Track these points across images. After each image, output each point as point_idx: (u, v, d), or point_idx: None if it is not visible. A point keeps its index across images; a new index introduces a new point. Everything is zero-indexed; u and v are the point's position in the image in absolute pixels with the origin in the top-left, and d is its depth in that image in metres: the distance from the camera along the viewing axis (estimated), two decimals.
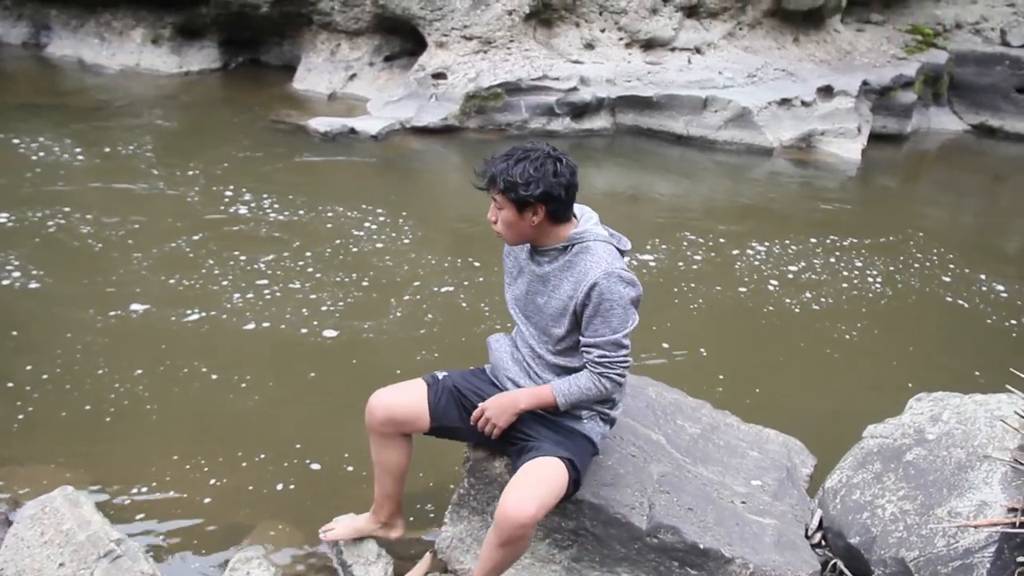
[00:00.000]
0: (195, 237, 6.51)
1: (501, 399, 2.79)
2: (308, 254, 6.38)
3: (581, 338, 2.71)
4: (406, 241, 6.81)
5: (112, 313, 5.29)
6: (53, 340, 4.94)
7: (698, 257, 6.91)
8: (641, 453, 3.14)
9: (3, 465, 3.85)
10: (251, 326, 5.28)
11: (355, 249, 6.59)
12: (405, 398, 2.89)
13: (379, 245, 6.69)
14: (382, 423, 2.89)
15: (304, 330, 5.28)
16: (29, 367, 4.63)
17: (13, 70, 12.26)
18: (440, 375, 2.96)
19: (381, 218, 7.19)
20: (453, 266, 6.45)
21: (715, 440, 3.41)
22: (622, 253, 2.77)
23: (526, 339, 2.86)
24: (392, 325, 5.44)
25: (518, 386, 2.85)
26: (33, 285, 5.58)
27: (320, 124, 9.63)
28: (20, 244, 6.19)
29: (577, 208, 2.79)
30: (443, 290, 5.97)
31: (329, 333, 5.27)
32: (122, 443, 4.11)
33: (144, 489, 3.77)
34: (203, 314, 5.37)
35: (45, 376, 4.57)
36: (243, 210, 7.19)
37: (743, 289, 6.38)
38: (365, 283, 6.01)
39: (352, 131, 9.56)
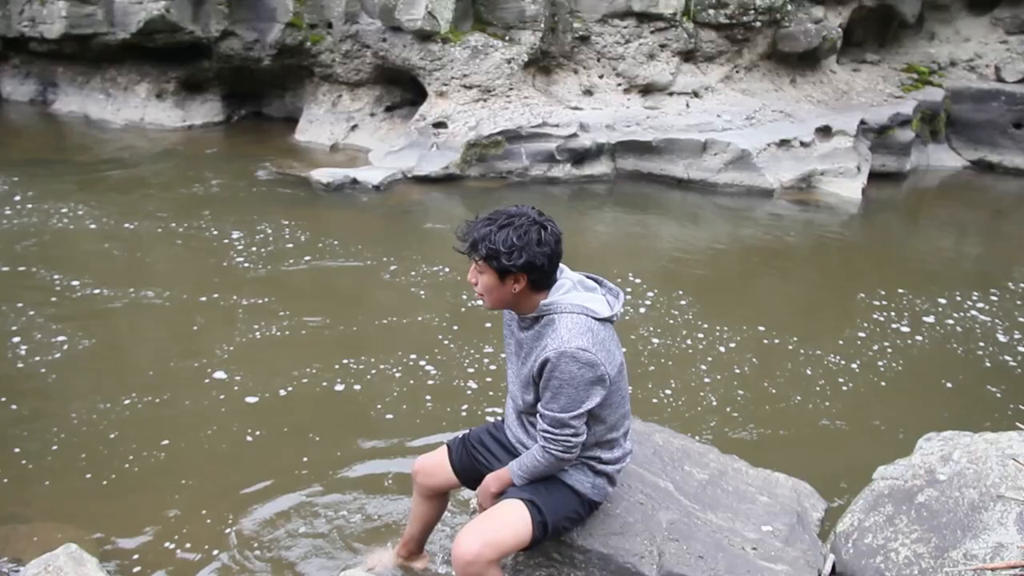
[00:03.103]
0: (201, 297, 6.51)
1: (481, 487, 2.93)
2: (306, 306, 6.38)
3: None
4: (411, 291, 6.81)
5: (117, 380, 5.28)
6: (54, 400, 4.93)
7: (701, 300, 6.89)
8: (649, 500, 3.10)
9: (6, 523, 3.82)
10: (254, 389, 5.25)
11: (358, 300, 6.60)
12: (432, 464, 3.15)
13: (382, 294, 6.70)
14: (420, 486, 3.22)
15: (305, 381, 5.26)
16: (32, 424, 4.61)
17: (20, 126, 12.44)
18: (461, 435, 3.16)
19: (384, 267, 7.21)
20: (455, 317, 6.44)
21: (724, 486, 3.37)
22: (607, 319, 2.69)
23: (516, 398, 2.89)
24: (399, 375, 5.42)
25: (520, 440, 2.92)
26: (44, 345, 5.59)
27: (322, 175, 9.71)
28: (25, 299, 6.23)
29: (559, 270, 2.75)
30: (445, 341, 5.96)
31: (335, 387, 5.25)
32: (124, 501, 4.07)
33: (147, 547, 3.73)
34: (202, 366, 5.35)
35: (46, 435, 4.55)
36: (244, 262, 7.21)
37: (746, 330, 6.35)
38: (369, 332, 6.01)
39: (354, 181, 9.63)
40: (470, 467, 3.06)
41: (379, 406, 5.04)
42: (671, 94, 10.81)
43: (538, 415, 2.69)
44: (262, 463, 4.41)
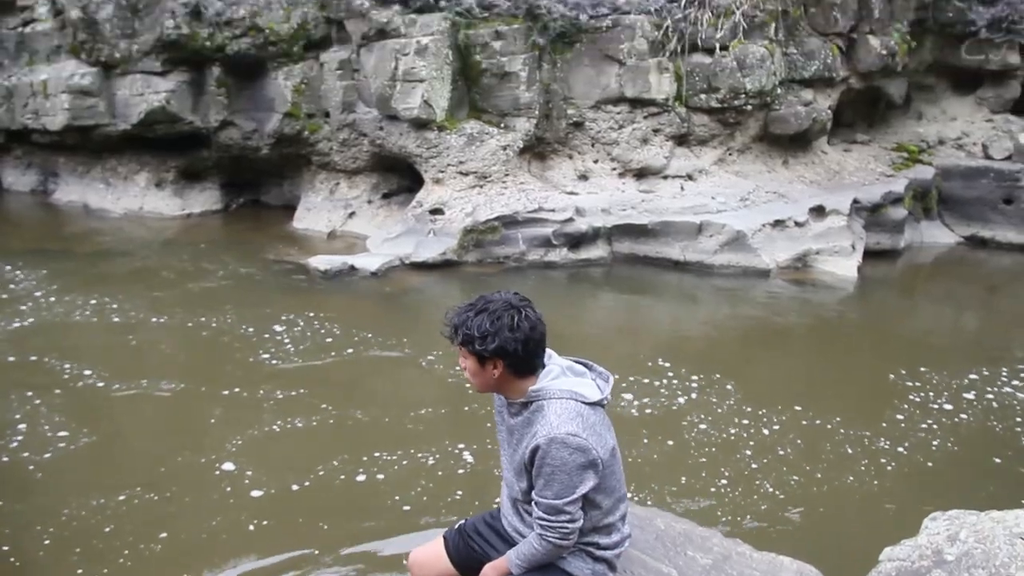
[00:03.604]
0: (201, 387, 6.47)
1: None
2: (306, 391, 6.35)
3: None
4: (410, 378, 6.79)
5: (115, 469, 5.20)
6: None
7: (701, 383, 6.84)
8: None
9: None
10: (266, 482, 5.17)
11: (359, 386, 6.56)
12: (428, 556, 3.09)
13: (382, 381, 6.66)
14: None
15: (321, 473, 5.18)
16: (22, 519, 4.52)
17: (21, 216, 12.57)
18: (457, 525, 3.10)
19: (383, 352, 7.21)
20: (453, 405, 6.38)
21: (728, 571, 3.30)
22: (596, 403, 2.68)
23: (511, 485, 2.86)
24: (431, 463, 5.36)
25: (516, 528, 2.86)
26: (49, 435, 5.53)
27: (320, 262, 9.75)
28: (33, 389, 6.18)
29: (545, 355, 2.75)
30: (477, 430, 5.91)
31: (356, 477, 5.17)
32: None
33: None
34: (211, 460, 5.28)
35: (37, 531, 4.46)
36: (240, 352, 7.19)
37: (748, 411, 6.30)
38: (367, 420, 5.96)
39: (352, 268, 9.67)
40: (467, 557, 2.99)
41: (397, 497, 4.97)
42: (665, 177, 10.94)
43: (533, 503, 2.66)
44: (265, 552, 4.35)
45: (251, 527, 4.64)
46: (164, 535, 4.49)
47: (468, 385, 2.77)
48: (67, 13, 12.01)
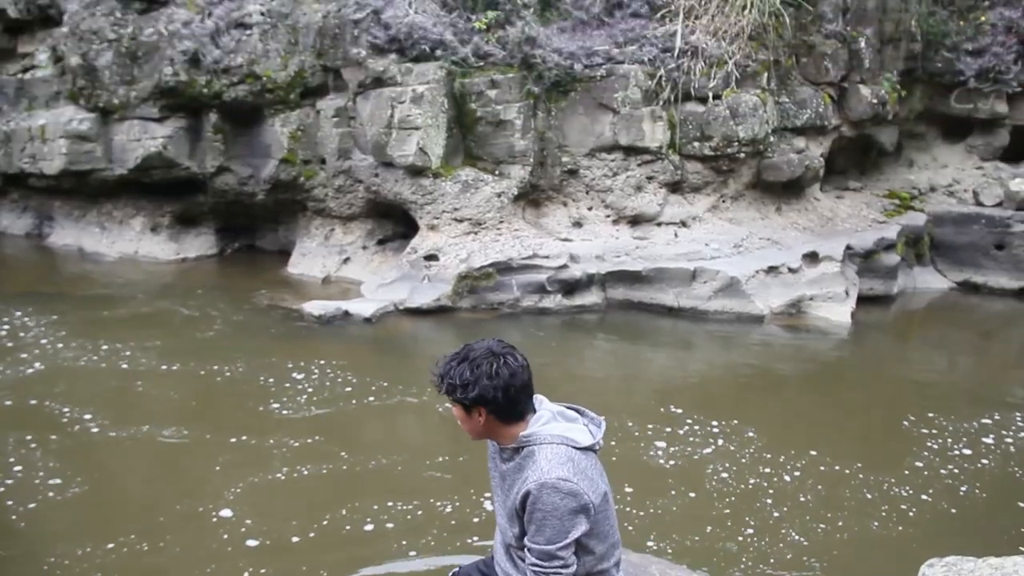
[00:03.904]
0: (186, 430, 6.43)
1: None
2: (315, 439, 6.32)
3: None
4: (427, 424, 6.77)
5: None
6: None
7: (715, 430, 6.82)
8: None
9: None
10: (256, 527, 5.12)
11: (371, 433, 6.55)
12: None
13: (396, 428, 6.62)
14: None
15: (325, 522, 5.13)
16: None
17: (16, 259, 12.58)
18: (451, 573, 3.11)
19: (401, 399, 7.21)
20: (473, 453, 6.34)
21: None
22: (588, 448, 2.69)
23: (504, 531, 2.85)
24: (417, 511, 5.30)
25: (508, 574, 2.84)
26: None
27: (314, 308, 9.75)
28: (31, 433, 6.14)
29: (536, 400, 2.77)
30: (440, 476, 5.85)
31: (364, 527, 5.10)
32: None
33: None
34: (204, 507, 5.23)
35: None
36: (232, 398, 7.16)
37: (768, 458, 6.29)
38: (379, 468, 5.93)
39: (346, 314, 9.67)
40: None
41: (404, 542, 4.90)
42: (659, 224, 10.99)
43: (526, 549, 2.65)
44: None
45: None
46: None
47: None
48: (67, 60, 12.14)
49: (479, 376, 2.62)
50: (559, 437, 2.66)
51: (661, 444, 6.58)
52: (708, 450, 6.49)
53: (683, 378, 8.64)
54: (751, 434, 6.74)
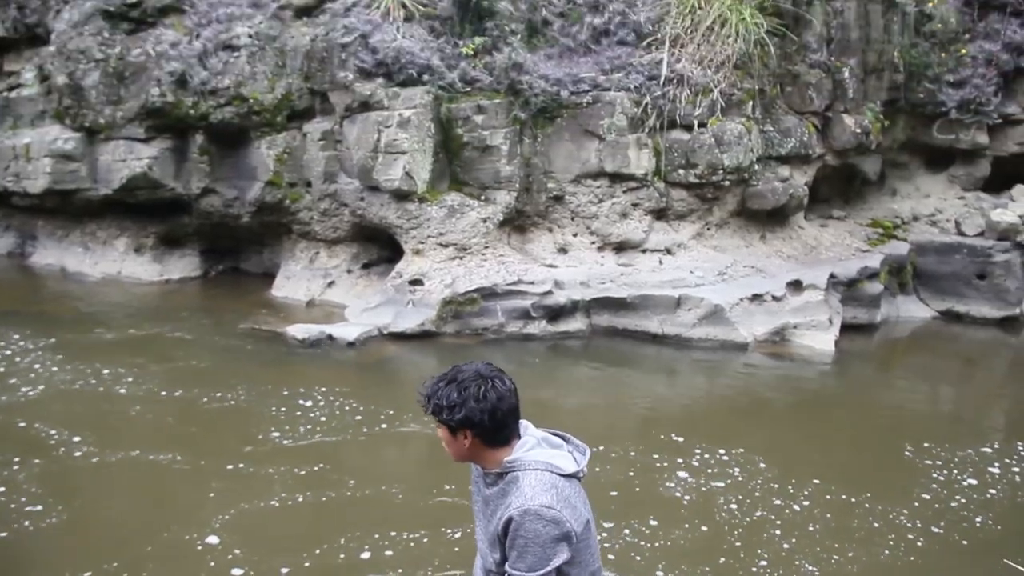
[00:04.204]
0: (162, 456, 6.37)
1: None
2: (283, 469, 6.25)
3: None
4: (387, 451, 6.71)
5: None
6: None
7: (678, 463, 6.80)
8: None
9: None
10: (245, 557, 5.05)
11: (374, 461, 6.52)
12: None
13: (357, 456, 6.57)
14: None
15: (318, 552, 5.07)
16: None
17: None
18: None
19: (374, 426, 7.16)
20: (438, 476, 6.30)
21: None
22: (572, 475, 2.68)
23: (484, 556, 2.83)
24: (423, 539, 5.25)
25: None
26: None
27: (298, 331, 9.71)
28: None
29: (521, 426, 2.75)
30: (435, 500, 5.81)
31: (361, 555, 5.06)
32: None
33: None
34: (190, 535, 5.16)
35: None
36: (212, 420, 7.10)
37: (775, 488, 6.27)
38: (381, 497, 5.88)
39: (330, 338, 9.63)
40: None
41: (400, 570, 4.83)
42: (644, 251, 11.01)
43: (506, 575, 2.62)
44: None
45: None
46: None
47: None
48: (53, 79, 12.11)
49: (466, 398, 2.61)
50: (544, 463, 2.65)
51: (678, 474, 6.58)
52: (719, 483, 6.46)
53: (676, 405, 8.65)
54: (760, 463, 6.74)
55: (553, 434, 2.83)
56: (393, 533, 5.38)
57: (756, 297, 10.46)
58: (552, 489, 2.60)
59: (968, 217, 12.32)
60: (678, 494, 6.28)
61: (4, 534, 5.28)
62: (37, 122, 12.62)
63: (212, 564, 4.95)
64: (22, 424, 6.87)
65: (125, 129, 11.67)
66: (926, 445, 7.23)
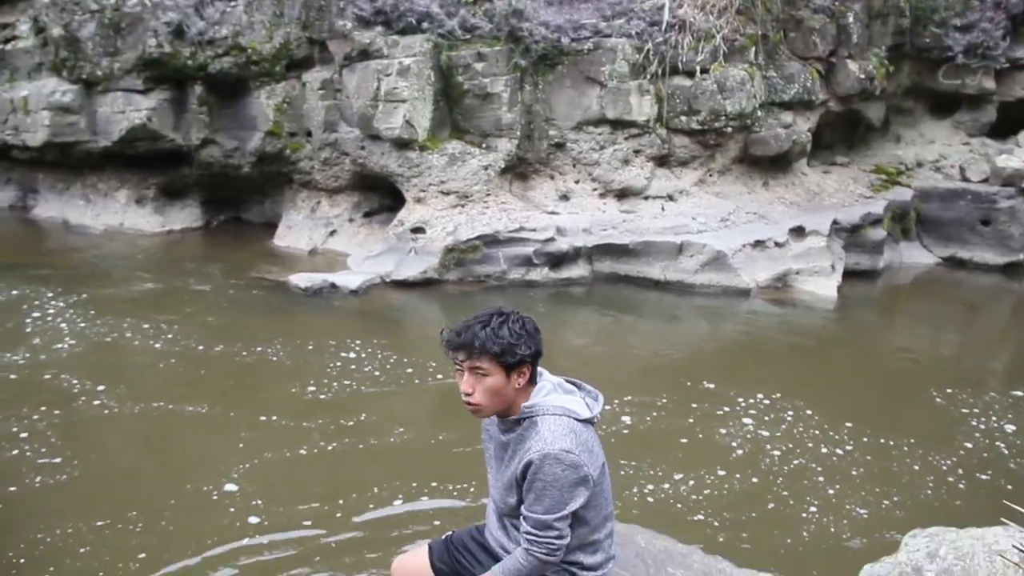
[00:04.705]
0: (170, 405, 6.42)
1: None
2: (318, 422, 6.30)
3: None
4: (394, 398, 6.74)
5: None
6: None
7: (683, 404, 6.85)
8: None
9: None
10: (264, 506, 5.12)
11: (343, 409, 6.53)
12: (412, 565, 3.06)
13: (366, 410, 6.61)
14: None
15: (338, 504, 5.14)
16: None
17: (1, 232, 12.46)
18: (444, 536, 3.09)
19: (366, 371, 7.17)
20: (442, 422, 6.35)
21: None
22: (587, 420, 2.69)
23: (497, 501, 2.86)
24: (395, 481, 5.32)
25: (501, 544, 2.86)
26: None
27: (301, 280, 9.72)
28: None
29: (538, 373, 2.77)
30: (434, 441, 5.87)
31: (394, 501, 5.11)
32: None
33: None
34: (194, 486, 5.23)
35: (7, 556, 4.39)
36: (219, 372, 7.14)
37: (724, 432, 6.30)
38: (361, 447, 5.91)
39: (332, 286, 9.65)
40: (452, 571, 2.99)
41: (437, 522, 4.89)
42: (646, 198, 10.98)
43: (522, 517, 2.65)
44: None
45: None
46: (143, 556, 4.42)
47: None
48: (49, 31, 11.99)
49: (531, 331, 2.63)
50: (561, 408, 2.66)
51: (688, 419, 6.62)
52: (764, 432, 6.46)
53: (687, 350, 8.65)
54: (788, 409, 6.77)
55: (566, 380, 2.84)
56: (434, 483, 5.40)
57: (758, 243, 10.45)
58: (571, 434, 2.61)
59: (973, 163, 12.25)
60: (701, 437, 6.31)
61: (25, 483, 5.31)
62: (34, 74, 12.52)
63: (232, 510, 4.98)
64: (47, 376, 6.88)
65: (123, 81, 11.57)
66: (949, 391, 7.25)
